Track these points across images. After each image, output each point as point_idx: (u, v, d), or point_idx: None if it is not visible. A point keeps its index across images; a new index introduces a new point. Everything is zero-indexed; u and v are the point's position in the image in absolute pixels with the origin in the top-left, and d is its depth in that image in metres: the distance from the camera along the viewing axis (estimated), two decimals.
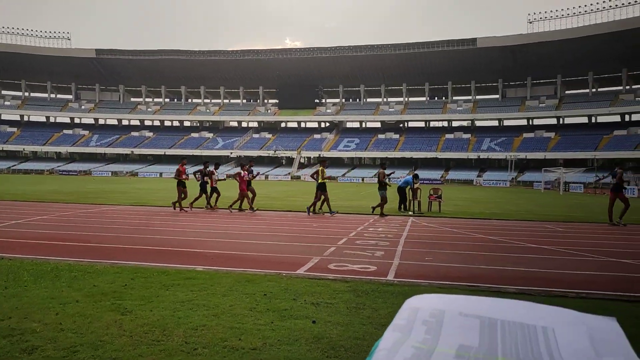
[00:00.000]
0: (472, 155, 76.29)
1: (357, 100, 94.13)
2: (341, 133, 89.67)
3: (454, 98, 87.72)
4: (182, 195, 15.00)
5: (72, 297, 4.56)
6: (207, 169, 15.92)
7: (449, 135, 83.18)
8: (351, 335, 3.64)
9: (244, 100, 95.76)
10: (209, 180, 15.78)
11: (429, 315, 0.51)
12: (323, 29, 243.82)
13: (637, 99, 69.87)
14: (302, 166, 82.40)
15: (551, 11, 71.35)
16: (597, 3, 67.71)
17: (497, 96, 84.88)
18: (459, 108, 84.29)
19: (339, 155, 79.01)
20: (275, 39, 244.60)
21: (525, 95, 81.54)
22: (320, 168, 14.59)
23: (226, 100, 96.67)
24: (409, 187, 16.49)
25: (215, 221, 12.34)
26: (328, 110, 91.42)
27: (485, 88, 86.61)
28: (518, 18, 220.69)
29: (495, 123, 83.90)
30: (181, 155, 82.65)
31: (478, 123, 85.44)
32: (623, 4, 65.18)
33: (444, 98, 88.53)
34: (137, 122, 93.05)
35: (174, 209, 14.97)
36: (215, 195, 15.69)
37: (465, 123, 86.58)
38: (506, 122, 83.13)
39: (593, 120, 76.02)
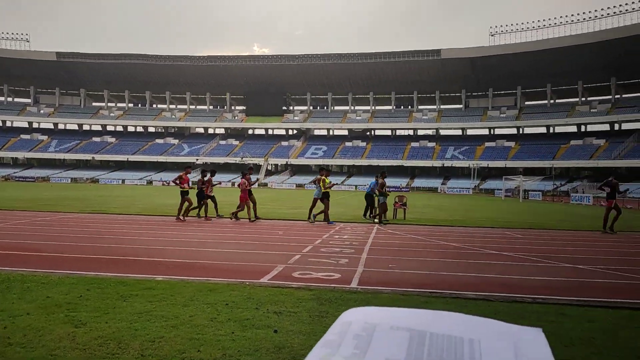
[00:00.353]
0: (437, 163, 77.84)
1: (325, 108, 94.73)
2: (309, 140, 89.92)
3: (420, 107, 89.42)
4: (188, 204, 14.53)
5: (23, 309, 4.36)
6: (205, 178, 15.32)
7: (414, 144, 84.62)
8: (313, 344, 3.58)
9: (211, 107, 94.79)
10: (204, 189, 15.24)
11: (360, 330, 0.51)
12: (292, 36, 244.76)
13: (592, 110, 73.05)
14: (269, 173, 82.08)
15: (512, 25, 73.91)
16: (555, 18, 70.58)
17: (460, 106, 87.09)
18: (424, 117, 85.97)
19: (307, 163, 79.06)
20: (243, 46, 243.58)
21: (487, 105, 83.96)
22: (322, 177, 14.72)
23: (192, 106, 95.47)
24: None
25: (181, 230, 12.10)
26: (296, 118, 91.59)
27: (450, 98, 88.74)
28: (482, 30, 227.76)
29: (459, 132, 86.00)
30: (145, 162, 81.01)
31: (442, 132, 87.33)
32: (579, 20, 68.19)
33: (409, 107, 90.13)
34: (99, 127, 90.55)
35: (179, 219, 14.25)
36: (211, 204, 15.14)
37: (430, 132, 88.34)
38: (469, 132, 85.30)
39: (551, 130, 78.95)
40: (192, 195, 14.84)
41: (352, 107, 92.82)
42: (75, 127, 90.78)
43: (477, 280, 6.38)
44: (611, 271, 7.33)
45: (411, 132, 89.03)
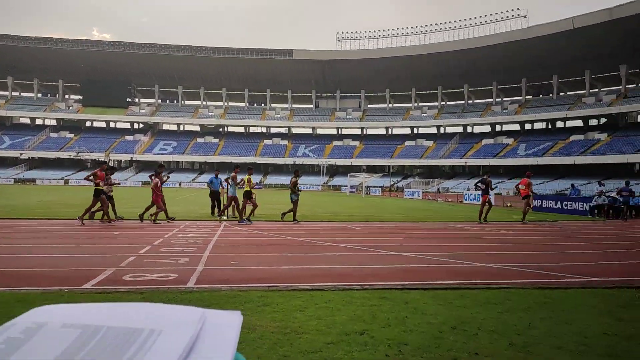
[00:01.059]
0: (289, 160, 79.94)
1: (175, 102, 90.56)
2: (157, 135, 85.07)
3: (273, 105, 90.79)
4: (100, 205, 12.76)
5: None
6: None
7: (267, 141, 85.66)
8: None
9: (39, 94, 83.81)
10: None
11: (20, 331, 0.46)
12: (137, 23, 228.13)
13: (422, 115, 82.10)
14: (112, 170, 75.66)
15: (357, 32, 79.28)
16: (399, 29, 77.61)
17: (311, 106, 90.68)
18: (277, 115, 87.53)
19: (155, 159, 74.62)
20: (79, 29, 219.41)
21: (335, 106, 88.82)
22: (246, 176, 14.32)
23: (15, 93, 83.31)
24: (225, 191, 16.37)
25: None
26: (142, 111, 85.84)
27: (301, 98, 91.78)
28: (332, 35, 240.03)
29: (310, 131, 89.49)
30: None
31: (294, 130, 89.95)
32: (420, 31, 75.87)
33: (263, 105, 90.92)
34: None
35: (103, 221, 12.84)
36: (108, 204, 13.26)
37: (283, 130, 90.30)
38: (319, 131, 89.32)
39: (390, 131, 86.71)
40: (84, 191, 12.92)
41: (204, 102, 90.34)
42: None
43: (313, 272, 6.66)
44: (432, 257, 8.28)
45: (264, 130, 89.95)
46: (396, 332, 3.96)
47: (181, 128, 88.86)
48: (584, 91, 68.22)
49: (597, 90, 67.47)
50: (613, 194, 21.71)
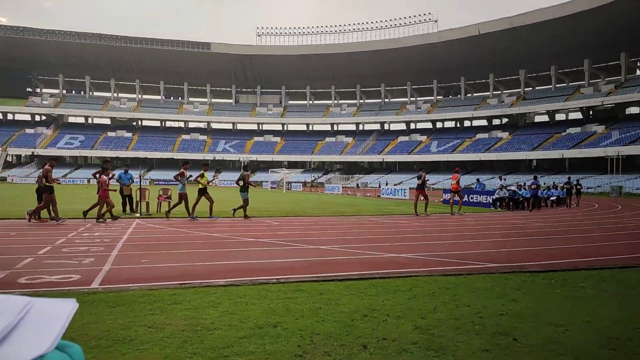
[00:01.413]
0: (209, 156, 78.01)
1: (82, 93, 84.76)
2: (61, 128, 79.14)
3: (190, 99, 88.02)
4: (44, 205, 12.12)
5: None
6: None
7: (185, 136, 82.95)
8: None
9: None
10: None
11: None
12: (38, 7, 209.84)
13: (342, 112, 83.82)
14: (9, 165, 69.24)
15: (278, 28, 79.05)
16: (319, 27, 78.21)
17: (231, 101, 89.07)
18: (195, 110, 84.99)
19: (60, 154, 69.37)
20: None
21: (256, 102, 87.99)
22: (201, 172, 14.45)
23: None
24: (135, 186, 15.63)
25: None
26: (45, 102, 79.40)
27: (221, 92, 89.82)
28: (252, 30, 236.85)
29: (230, 126, 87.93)
30: None
31: (214, 125, 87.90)
32: (339, 31, 77.10)
33: (180, 98, 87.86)
34: None
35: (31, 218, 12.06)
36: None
37: (202, 125, 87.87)
38: (239, 126, 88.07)
39: (310, 128, 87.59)
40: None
41: (116, 94, 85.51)
42: None
43: (228, 268, 6.56)
44: (348, 249, 8.50)
45: (182, 124, 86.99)
46: (309, 322, 4.02)
47: (89, 121, 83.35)
48: (488, 93, 73.48)
49: (499, 92, 72.95)
50: (513, 188, 23.61)
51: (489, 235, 11.36)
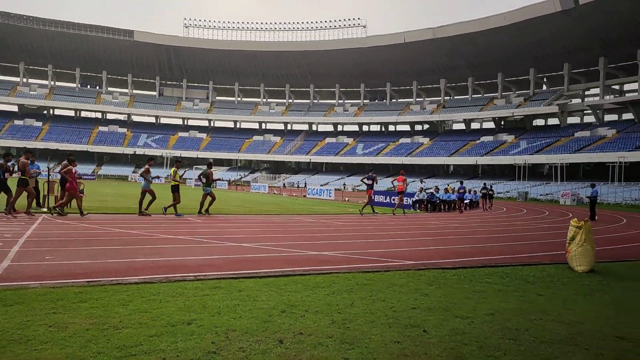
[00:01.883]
0: (129, 150, 74.41)
1: None
2: None
3: (110, 89, 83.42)
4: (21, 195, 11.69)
5: None
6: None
7: (103, 128, 78.53)
8: None
9: None
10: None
11: None
12: None
13: (271, 111, 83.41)
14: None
15: (206, 20, 76.91)
16: (249, 23, 77.14)
17: (154, 93, 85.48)
18: (114, 100, 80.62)
19: None
20: None
21: (181, 95, 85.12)
22: (175, 168, 14.76)
23: None
24: (44, 180, 14.52)
25: None
26: None
27: (144, 83, 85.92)
28: (179, 21, 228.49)
29: (153, 120, 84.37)
30: None
31: (135, 118, 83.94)
32: (269, 28, 76.45)
33: (98, 87, 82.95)
34: None
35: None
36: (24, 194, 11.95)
37: (121, 117, 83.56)
38: (163, 120, 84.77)
39: (238, 125, 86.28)
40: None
41: (25, 80, 79.00)
42: None
43: (142, 265, 6.27)
44: (271, 247, 8.44)
45: (99, 115, 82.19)
46: (225, 319, 3.94)
47: None
48: (412, 99, 76.61)
49: (422, 99, 76.32)
50: (432, 190, 24.80)
51: (407, 235, 11.83)
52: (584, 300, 5.27)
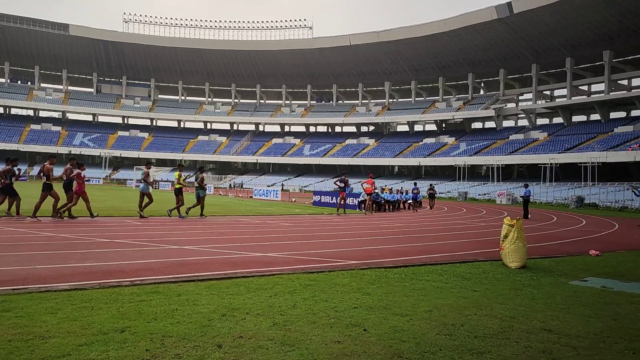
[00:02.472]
0: (63, 149, 70.67)
1: None
2: None
3: (43, 85, 78.90)
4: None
5: None
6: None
7: (35, 126, 74.17)
8: None
9: None
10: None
11: None
12: None
13: (217, 110, 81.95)
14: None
15: (147, 16, 74.40)
16: (191, 20, 75.23)
17: (92, 90, 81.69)
18: (48, 97, 76.34)
19: None
20: None
21: (121, 93, 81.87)
22: (177, 172, 15.16)
23: None
24: None
25: None
26: None
27: (80, 80, 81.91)
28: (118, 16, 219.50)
29: (90, 118, 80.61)
30: None
31: (71, 116, 79.89)
32: (215, 26, 74.95)
33: (29, 83, 78.17)
34: None
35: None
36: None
37: (56, 114, 79.26)
38: (101, 118, 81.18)
39: (182, 125, 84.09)
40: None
41: None
42: None
43: (74, 270, 5.95)
44: (213, 249, 8.26)
45: (31, 113, 77.45)
46: (162, 325, 3.80)
47: None
48: (357, 101, 77.78)
49: (367, 101, 77.67)
50: (377, 191, 25.26)
51: (352, 235, 11.97)
52: (515, 295, 5.54)
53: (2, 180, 12.04)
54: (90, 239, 8.92)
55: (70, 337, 3.42)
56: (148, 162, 15.50)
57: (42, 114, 78.04)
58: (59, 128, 74.77)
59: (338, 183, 19.44)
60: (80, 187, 12.61)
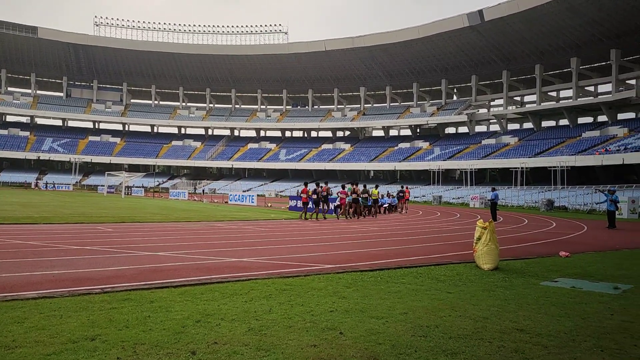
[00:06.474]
0: (32, 155, 68.73)
1: None
2: None
3: (10, 89, 76.71)
4: None
5: None
6: None
7: (2, 131, 72.10)
8: None
9: None
10: None
11: None
12: None
13: (191, 115, 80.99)
14: None
15: (119, 19, 73.18)
16: (165, 24, 74.29)
17: (61, 94, 79.74)
18: (15, 101, 74.20)
19: None
20: None
21: (92, 97, 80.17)
22: None
23: None
24: None
25: None
26: None
27: (49, 84, 79.83)
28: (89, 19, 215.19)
29: (60, 123, 78.61)
30: None
31: (39, 121, 77.79)
32: (189, 30, 74.17)
33: None
34: None
35: None
36: None
37: (23, 119, 77.01)
38: (71, 123, 79.29)
39: (155, 130, 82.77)
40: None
41: None
42: None
43: (42, 279, 5.77)
44: (187, 255, 8.14)
45: None
46: (134, 332, 3.72)
47: None
48: (333, 106, 78.08)
49: (343, 106, 78.03)
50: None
51: (328, 239, 11.97)
52: (488, 296, 5.62)
53: None
54: (59, 247, 8.67)
55: (38, 347, 3.31)
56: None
57: (10, 118, 75.73)
58: (27, 133, 72.69)
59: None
60: None
